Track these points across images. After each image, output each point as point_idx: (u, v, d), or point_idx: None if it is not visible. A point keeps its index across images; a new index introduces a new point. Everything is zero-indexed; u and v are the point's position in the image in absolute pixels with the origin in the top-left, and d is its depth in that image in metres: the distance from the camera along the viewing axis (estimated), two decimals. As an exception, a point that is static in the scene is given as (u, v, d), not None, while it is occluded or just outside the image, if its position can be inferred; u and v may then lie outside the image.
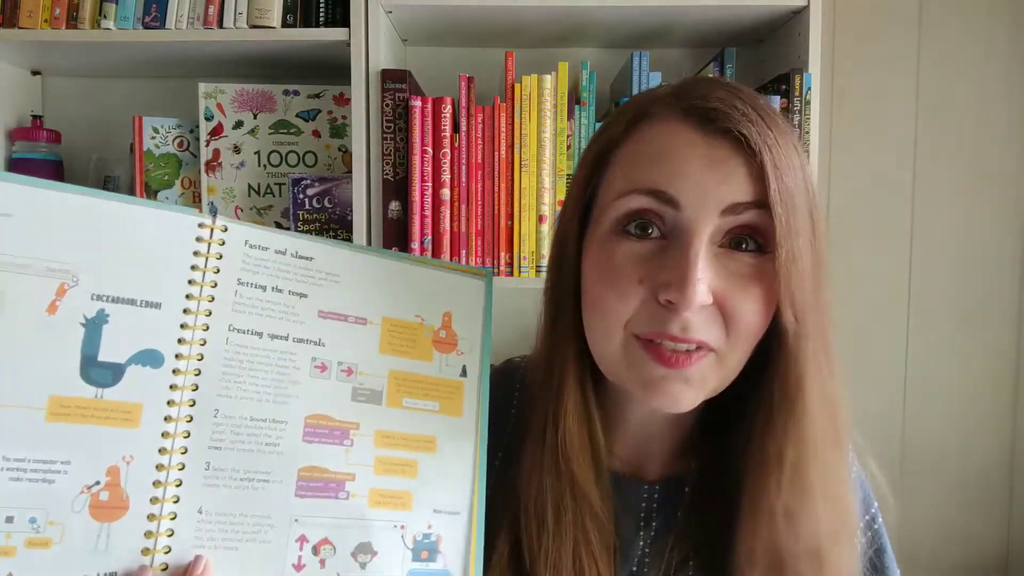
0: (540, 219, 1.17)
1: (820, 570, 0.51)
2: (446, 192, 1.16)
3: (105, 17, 1.17)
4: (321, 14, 1.18)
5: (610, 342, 0.51)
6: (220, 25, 1.17)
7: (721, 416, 0.57)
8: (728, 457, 0.55)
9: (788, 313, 0.48)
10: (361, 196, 1.17)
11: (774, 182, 0.47)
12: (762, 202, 0.47)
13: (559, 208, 1.18)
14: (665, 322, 0.47)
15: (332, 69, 1.25)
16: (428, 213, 1.16)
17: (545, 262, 1.17)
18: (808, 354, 0.49)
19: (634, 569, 0.58)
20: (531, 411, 0.58)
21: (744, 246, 0.49)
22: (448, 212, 1.16)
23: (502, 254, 1.18)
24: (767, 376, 0.51)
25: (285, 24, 1.18)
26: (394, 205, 1.17)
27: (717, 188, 0.47)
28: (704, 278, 0.46)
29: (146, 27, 1.17)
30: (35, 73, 1.42)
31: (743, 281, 0.48)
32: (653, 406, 0.51)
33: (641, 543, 0.58)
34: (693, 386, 0.50)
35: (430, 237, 1.17)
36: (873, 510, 0.61)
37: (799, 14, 1.18)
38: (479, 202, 1.17)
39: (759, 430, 0.52)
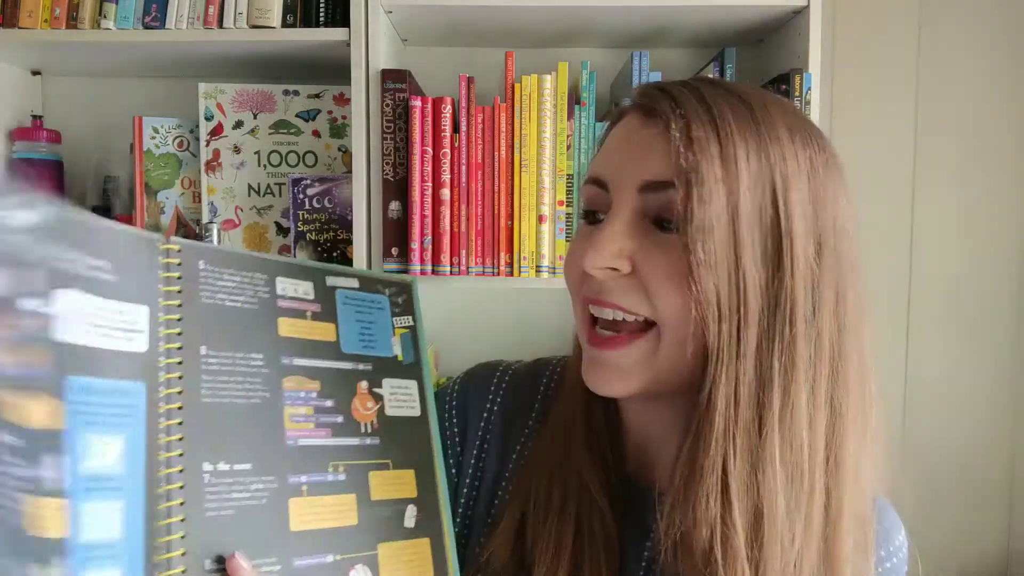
0: (540, 219, 1.17)
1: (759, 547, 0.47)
2: (446, 192, 1.16)
3: (105, 17, 1.17)
4: (321, 14, 1.18)
5: (577, 321, 0.55)
6: (220, 25, 1.17)
7: None
8: None
9: (694, 286, 0.46)
10: (361, 196, 1.18)
11: (676, 155, 0.47)
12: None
13: (559, 208, 1.18)
14: (591, 287, 0.51)
15: (332, 69, 1.25)
16: (428, 213, 1.16)
17: (546, 262, 1.17)
18: (721, 348, 0.46)
19: None
20: (556, 403, 0.62)
21: (670, 226, 0.48)
22: (448, 212, 1.16)
23: (502, 254, 1.18)
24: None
25: (285, 24, 1.18)
26: (394, 205, 1.17)
27: (635, 167, 0.49)
28: (608, 245, 0.49)
29: (146, 27, 1.17)
30: (35, 73, 1.42)
31: (661, 253, 0.48)
32: (591, 388, 0.53)
33: (646, 553, 0.56)
34: (624, 371, 0.50)
35: (430, 237, 1.17)
36: (891, 547, 0.57)
37: (799, 14, 1.18)
38: (479, 202, 1.17)
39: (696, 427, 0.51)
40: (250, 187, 1.31)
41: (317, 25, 1.18)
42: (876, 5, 1.44)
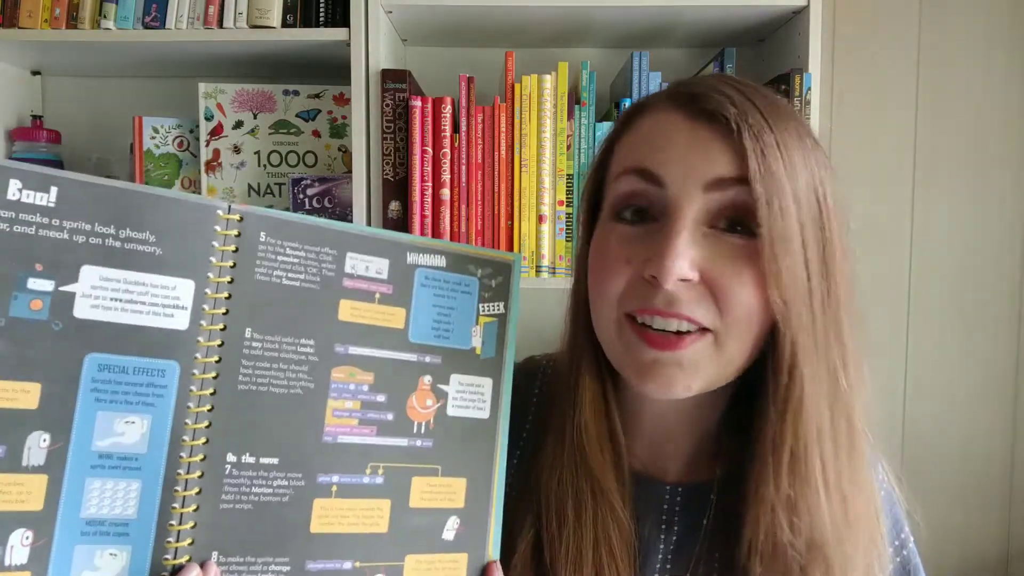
0: (540, 219, 1.17)
1: (827, 570, 0.50)
2: (446, 192, 1.16)
3: (105, 17, 1.17)
4: (321, 14, 1.18)
5: (607, 325, 0.52)
6: (220, 25, 1.17)
7: (745, 420, 0.56)
8: (748, 459, 0.54)
9: (774, 295, 0.47)
10: (361, 196, 1.17)
11: (753, 160, 0.47)
12: (746, 178, 0.47)
13: (559, 208, 1.18)
14: (651, 297, 0.48)
15: (332, 69, 1.25)
16: (428, 213, 1.16)
17: (545, 262, 1.17)
18: (803, 339, 0.48)
19: (656, 574, 0.57)
20: (552, 407, 0.59)
21: (737, 229, 0.49)
22: (448, 212, 1.16)
23: (502, 254, 1.18)
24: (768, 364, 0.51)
25: (285, 24, 1.18)
26: (394, 205, 1.17)
27: (700, 165, 0.48)
28: (685, 253, 0.47)
29: (146, 27, 1.17)
30: (35, 73, 1.42)
31: (732, 261, 0.48)
32: (646, 391, 0.50)
33: (662, 547, 0.57)
34: (686, 371, 0.49)
35: (430, 237, 1.17)
36: (904, 534, 0.60)
37: (799, 14, 1.18)
38: (479, 202, 1.17)
39: (761, 420, 0.51)
40: (250, 187, 1.31)
41: (317, 25, 1.18)
42: (876, 5, 1.44)
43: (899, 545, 0.60)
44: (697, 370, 0.49)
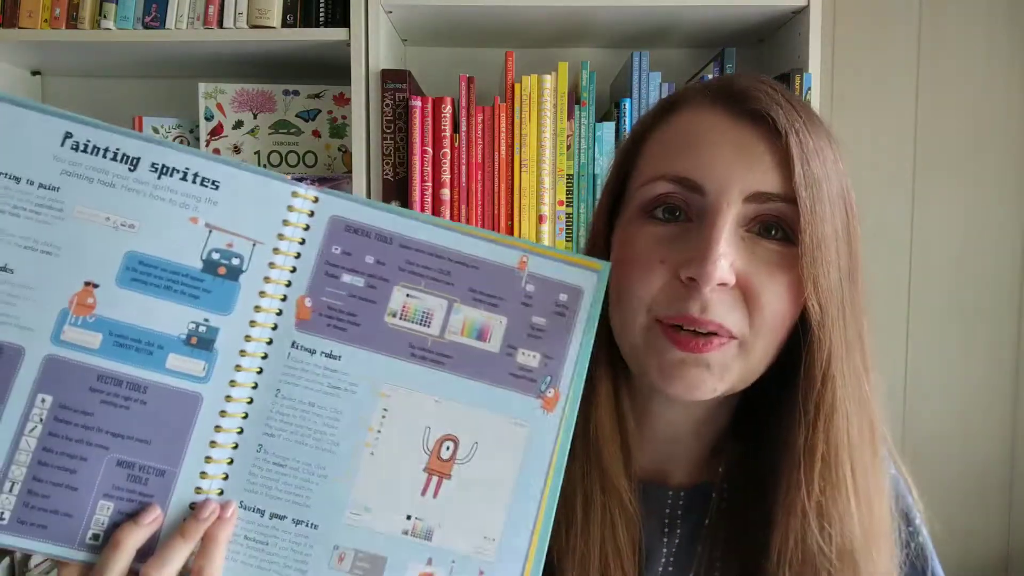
0: (540, 219, 1.17)
1: (855, 574, 0.50)
2: (446, 192, 1.16)
3: (105, 17, 1.17)
4: (321, 14, 1.18)
5: (632, 326, 0.49)
6: (220, 25, 1.17)
7: (750, 421, 0.56)
8: (757, 462, 0.54)
9: (812, 301, 0.47)
10: (361, 196, 1.18)
11: (799, 166, 0.46)
12: (787, 194, 0.47)
13: (559, 208, 1.18)
14: (686, 301, 0.47)
15: (332, 69, 1.25)
16: (428, 213, 1.16)
17: (545, 262, 1.17)
18: (836, 345, 0.48)
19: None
20: None
21: (773, 233, 0.48)
22: (448, 212, 1.16)
23: (502, 254, 1.18)
24: (799, 370, 0.50)
25: (285, 24, 1.18)
26: (394, 205, 1.17)
27: (743, 175, 0.47)
28: (727, 254, 0.46)
29: (146, 27, 1.17)
30: (35, 73, 1.42)
31: (768, 267, 0.47)
32: (670, 393, 0.49)
33: (664, 550, 0.57)
34: (713, 373, 0.48)
35: (430, 237, 1.17)
36: (917, 522, 0.60)
37: (799, 14, 1.18)
38: (479, 202, 1.17)
39: (790, 426, 0.51)
40: (250, 187, 1.31)
41: (317, 25, 1.18)
42: (876, 5, 1.44)
43: (912, 532, 0.60)
44: (723, 373, 0.49)
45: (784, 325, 0.49)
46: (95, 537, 0.44)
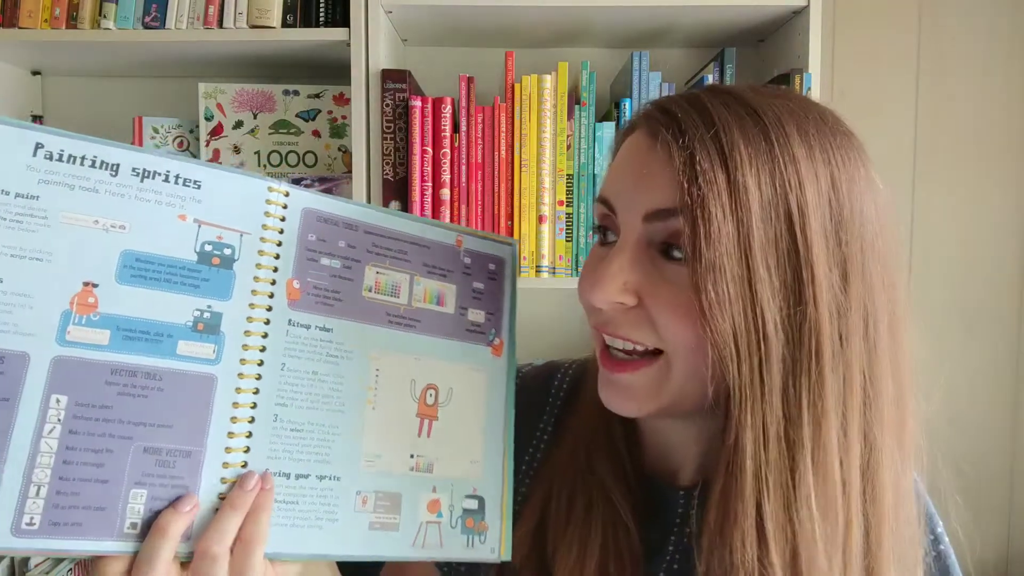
0: (540, 219, 1.17)
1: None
2: (446, 192, 1.16)
3: (105, 17, 1.17)
4: (321, 14, 1.18)
5: (592, 337, 0.53)
6: (220, 25, 1.17)
7: None
8: None
9: (708, 331, 0.43)
10: (361, 196, 1.18)
11: (684, 192, 0.44)
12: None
13: (559, 208, 1.18)
14: (595, 316, 0.51)
15: (332, 69, 1.25)
16: (428, 213, 1.16)
17: (545, 262, 1.17)
18: (742, 379, 0.44)
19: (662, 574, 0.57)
20: (571, 406, 0.61)
21: (675, 255, 0.47)
22: (448, 212, 1.16)
23: (502, 254, 1.18)
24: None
25: (285, 24, 1.18)
26: (394, 205, 1.17)
27: (640, 195, 0.47)
28: (617, 277, 0.47)
29: (146, 27, 1.17)
30: (35, 73, 1.43)
31: (668, 286, 0.46)
32: (607, 407, 0.52)
33: (671, 548, 0.57)
34: (635, 394, 0.49)
35: (430, 237, 1.17)
36: (939, 530, 0.60)
37: (799, 14, 1.18)
38: (479, 202, 1.17)
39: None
40: (250, 187, 1.31)
41: (317, 25, 1.18)
42: (876, 5, 1.44)
43: (934, 540, 0.61)
44: (646, 394, 0.49)
45: (695, 344, 0.45)
46: (133, 526, 0.44)
